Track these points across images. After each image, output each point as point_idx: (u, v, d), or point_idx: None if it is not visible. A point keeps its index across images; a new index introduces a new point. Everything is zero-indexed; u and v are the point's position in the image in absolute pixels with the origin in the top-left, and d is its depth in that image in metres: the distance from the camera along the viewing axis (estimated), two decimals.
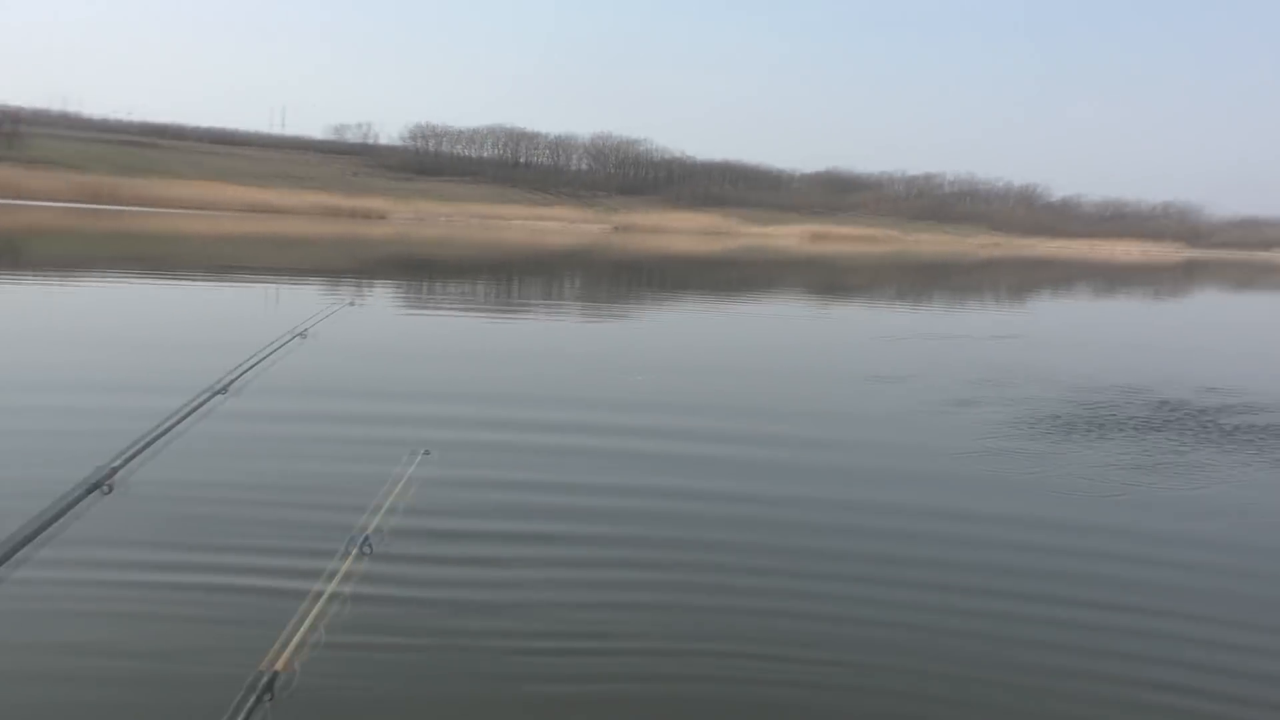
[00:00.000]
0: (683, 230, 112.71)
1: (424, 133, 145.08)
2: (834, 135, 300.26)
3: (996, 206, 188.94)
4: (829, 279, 41.81)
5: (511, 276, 32.37)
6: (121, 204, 78.36)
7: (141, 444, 3.09)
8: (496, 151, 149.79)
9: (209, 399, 3.77)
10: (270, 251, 38.71)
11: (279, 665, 2.28)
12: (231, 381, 4.09)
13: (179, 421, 3.40)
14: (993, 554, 6.10)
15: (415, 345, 13.98)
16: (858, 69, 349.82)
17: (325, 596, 2.55)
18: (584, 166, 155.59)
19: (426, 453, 3.76)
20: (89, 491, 2.73)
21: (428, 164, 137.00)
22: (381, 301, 20.27)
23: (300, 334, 5.22)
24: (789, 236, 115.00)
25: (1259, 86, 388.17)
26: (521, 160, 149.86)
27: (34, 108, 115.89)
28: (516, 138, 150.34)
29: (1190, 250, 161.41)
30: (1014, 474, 8.01)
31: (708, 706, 4.05)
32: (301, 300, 19.26)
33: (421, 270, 32.70)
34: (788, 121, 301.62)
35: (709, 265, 47.96)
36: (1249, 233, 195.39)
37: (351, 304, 5.00)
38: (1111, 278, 55.92)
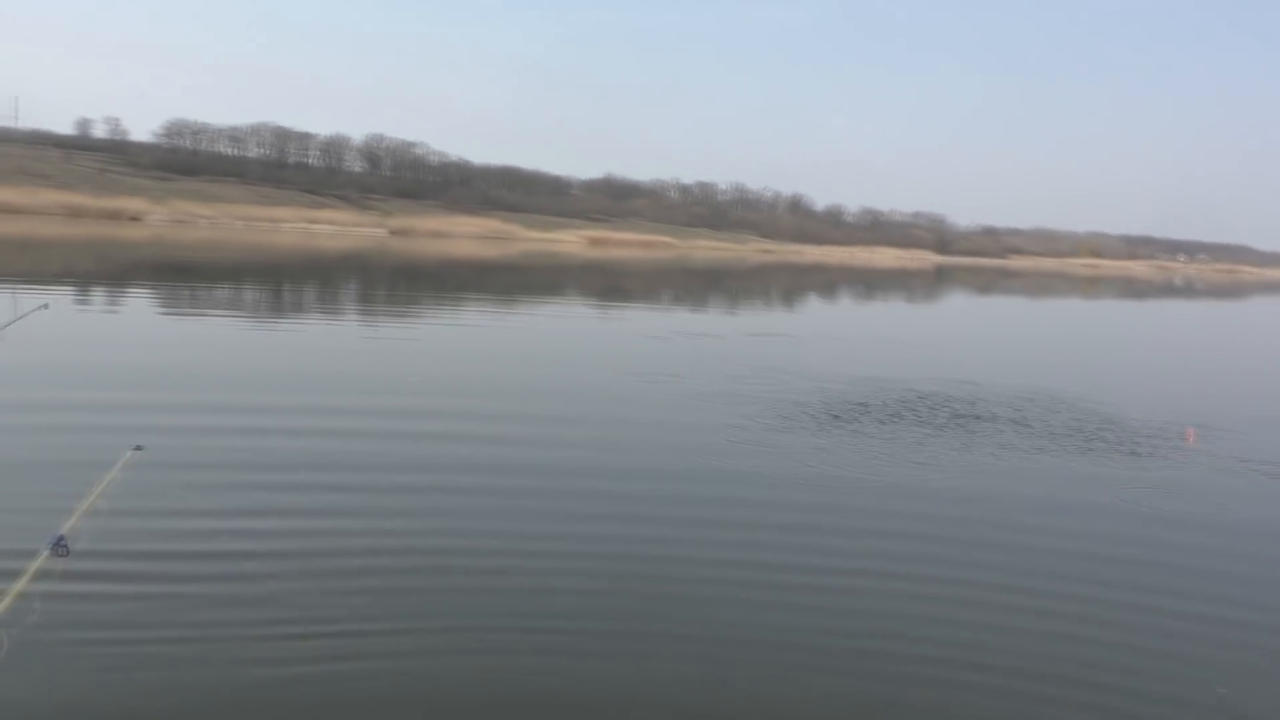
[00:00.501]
0: (463, 235, 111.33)
1: (180, 129, 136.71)
2: (611, 143, 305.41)
3: (766, 215, 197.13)
4: (609, 283, 42.18)
5: (279, 281, 30.81)
6: None
7: None
8: (263, 151, 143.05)
9: None
10: (42, 256, 35.28)
11: None
12: None
13: None
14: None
15: (162, 352, 13.00)
16: (630, 79, 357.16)
17: (9, 597, 2.41)
18: (358, 169, 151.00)
19: (138, 448, 3.44)
20: None
21: (186, 163, 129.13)
22: (129, 305, 18.81)
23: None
24: (570, 242, 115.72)
25: (1003, 109, 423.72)
26: (291, 161, 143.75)
27: None
28: (285, 137, 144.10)
29: (939, 257, 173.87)
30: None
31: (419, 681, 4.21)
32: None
33: (179, 274, 30.57)
34: (566, 128, 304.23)
35: (490, 270, 47.43)
36: (990, 241, 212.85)
37: (46, 307, 4.81)
38: (874, 283, 59.27)
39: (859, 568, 6.00)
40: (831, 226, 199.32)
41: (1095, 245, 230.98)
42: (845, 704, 4.27)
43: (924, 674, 4.60)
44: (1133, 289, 76.77)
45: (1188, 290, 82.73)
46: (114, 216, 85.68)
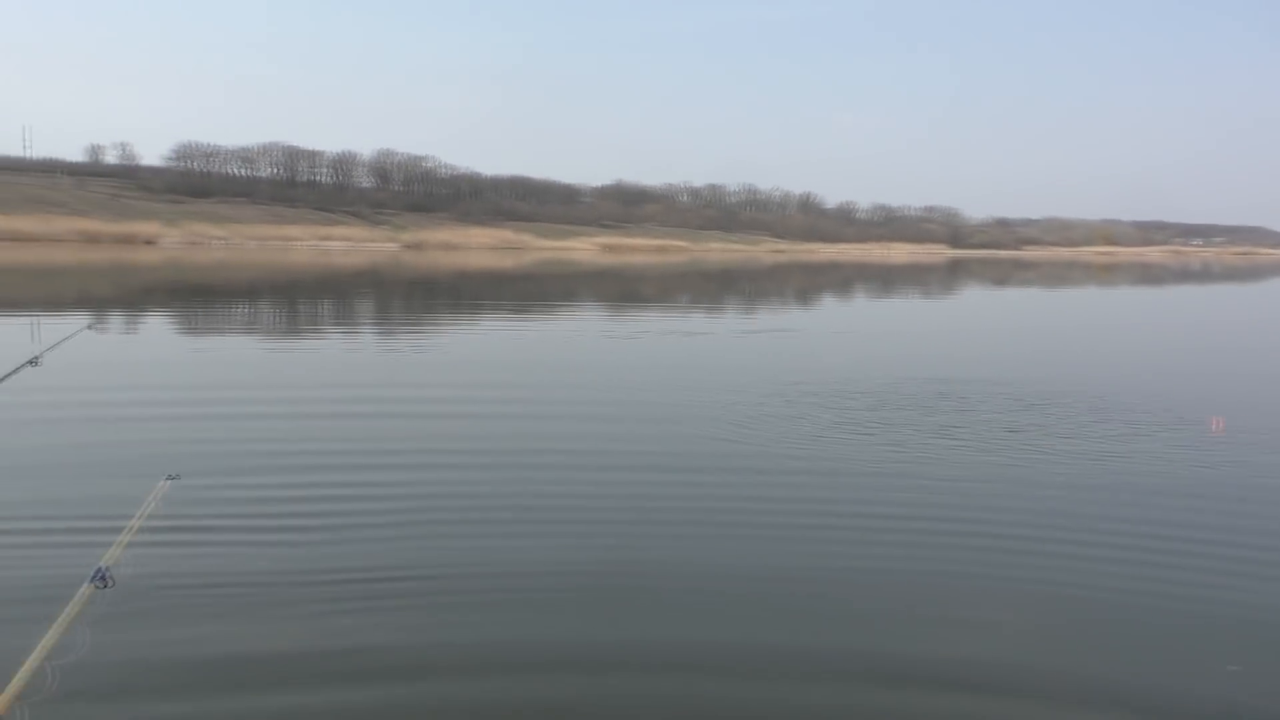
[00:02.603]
0: (476, 246, 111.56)
1: (190, 151, 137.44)
2: (620, 150, 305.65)
3: (778, 215, 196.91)
4: (624, 289, 42.09)
5: (296, 299, 30.82)
6: None
7: None
8: (274, 170, 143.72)
9: None
10: (26, 283, 35.42)
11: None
12: None
13: None
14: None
15: (177, 372, 12.87)
16: (635, 85, 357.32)
17: (56, 632, 2.34)
18: (368, 184, 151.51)
19: (174, 478, 3.47)
20: None
21: (198, 185, 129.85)
22: (143, 328, 18.75)
23: (32, 362, 4.70)
24: (583, 249, 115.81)
25: (1008, 98, 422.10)
26: (302, 179, 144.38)
27: None
28: (294, 155, 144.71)
29: (953, 250, 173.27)
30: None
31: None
32: (41, 330, 17.66)
33: (198, 295, 30.63)
34: (575, 137, 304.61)
35: (505, 280, 47.41)
36: (1003, 233, 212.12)
37: (90, 328, 4.75)
38: (892, 278, 58.98)
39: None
40: (844, 224, 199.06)
41: (1109, 232, 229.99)
42: None
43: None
44: (1149, 275, 76.23)
45: (1205, 274, 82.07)
46: (128, 241, 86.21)
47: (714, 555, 5.93)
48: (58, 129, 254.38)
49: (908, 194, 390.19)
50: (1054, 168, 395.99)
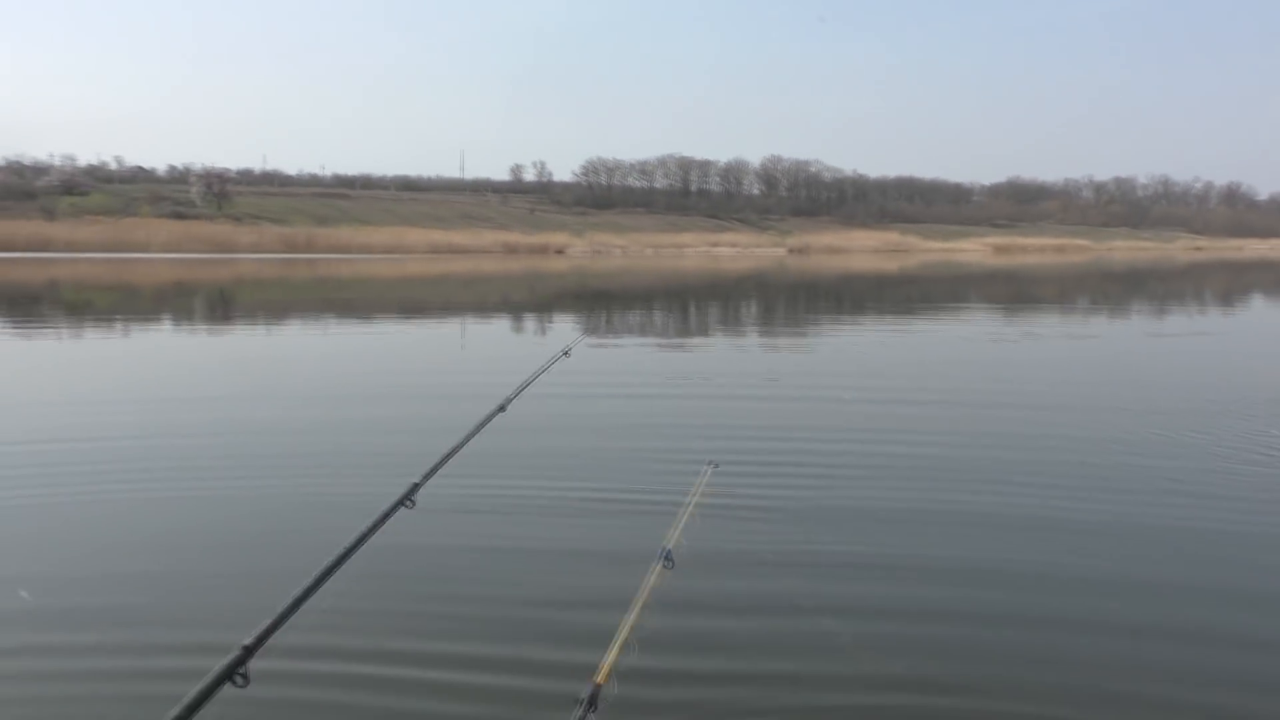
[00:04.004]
0: (860, 249, 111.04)
1: (597, 167, 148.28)
2: (1013, 144, 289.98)
3: (1196, 208, 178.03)
4: (1017, 290, 40.15)
5: (729, 300, 32.54)
6: (318, 252, 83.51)
7: (439, 461, 3.21)
8: (668, 181, 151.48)
9: (492, 417, 3.88)
10: (484, 289, 40.29)
11: (600, 679, 2.31)
12: (509, 401, 4.21)
13: (469, 438, 3.51)
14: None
15: (653, 369, 14.25)
16: (1029, 75, 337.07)
17: (636, 611, 2.55)
18: (756, 191, 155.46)
19: (715, 465, 3.68)
20: (397, 506, 2.82)
21: (601, 197, 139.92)
22: (617, 331, 20.73)
23: (565, 353, 5.41)
24: (971, 250, 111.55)
25: None
26: (693, 188, 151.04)
27: (239, 169, 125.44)
28: (687, 166, 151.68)
29: None
30: None
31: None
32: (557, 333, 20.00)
33: (625, 299, 33.30)
34: (962, 133, 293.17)
35: (892, 283, 46.92)
36: None
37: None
38: None
39: None
40: (1278, 217, 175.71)
41: None
42: None
43: None
44: None
45: None
46: (542, 251, 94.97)
47: None
48: (488, 152, 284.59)
49: None
50: None
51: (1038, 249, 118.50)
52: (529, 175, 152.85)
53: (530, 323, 23.66)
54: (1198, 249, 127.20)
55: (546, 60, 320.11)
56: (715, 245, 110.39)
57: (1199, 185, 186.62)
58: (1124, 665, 4.25)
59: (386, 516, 2.71)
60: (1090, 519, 6.30)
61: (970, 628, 4.69)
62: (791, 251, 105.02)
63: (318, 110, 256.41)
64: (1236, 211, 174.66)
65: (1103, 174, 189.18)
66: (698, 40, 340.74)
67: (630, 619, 2.49)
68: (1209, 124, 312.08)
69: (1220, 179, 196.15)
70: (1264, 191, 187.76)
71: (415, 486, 2.93)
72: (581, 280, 47.89)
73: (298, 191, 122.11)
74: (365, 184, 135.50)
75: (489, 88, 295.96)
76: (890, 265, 68.85)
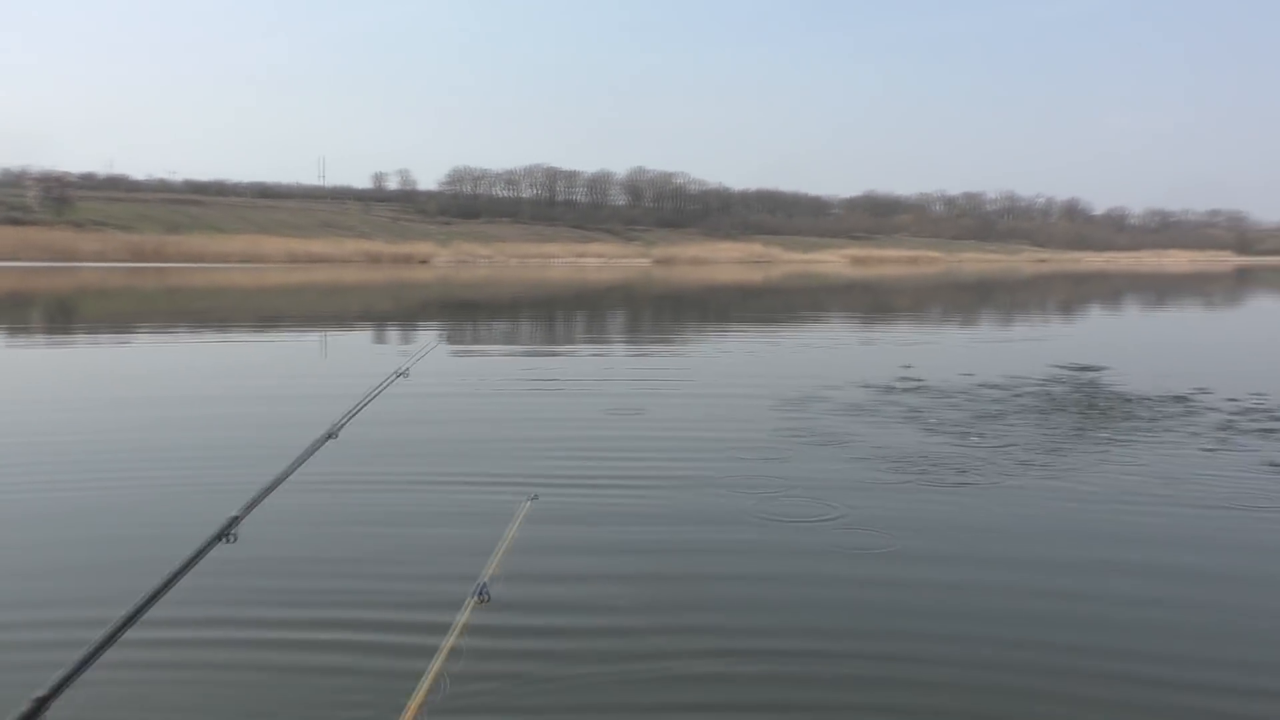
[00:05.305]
0: (724, 260, 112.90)
1: (462, 176, 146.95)
2: (870, 159, 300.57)
3: (1040, 223, 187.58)
4: (876, 301, 41.38)
5: (595, 311, 32.38)
6: (168, 261, 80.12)
7: (260, 493, 2.94)
8: (535, 191, 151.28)
9: (320, 444, 3.59)
10: (331, 300, 39.13)
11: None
12: (341, 426, 3.89)
13: (294, 467, 3.23)
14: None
15: (505, 385, 13.79)
16: (888, 91, 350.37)
17: (447, 648, 2.52)
18: (622, 202, 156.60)
19: (535, 498, 3.67)
20: (213, 544, 2.58)
21: (467, 206, 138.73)
22: (471, 345, 20.25)
23: (401, 374, 5.08)
24: (831, 261, 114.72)
25: None
26: (560, 199, 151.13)
27: (81, 172, 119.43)
28: (554, 176, 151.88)
29: (1240, 258, 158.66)
30: None
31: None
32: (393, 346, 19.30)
33: (490, 310, 32.82)
34: (821, 148, 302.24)
35: (756, 294, 47.76)
36: None
37: (440, 344, 4.61)
38: (1181, 288, 54.84)
39: None
40: (1114, 231, 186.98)
41: None
42: None
43: None
44: None
45: None
46: (406, 260, 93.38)
47: None
48: (349, 158, 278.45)
49: (1187, 198, 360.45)
50: None
51: (894, 260, 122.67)
52: (392, 183, 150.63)
53: (387, 335, 23.04)
54: (1041, 261, 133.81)
55: (400, 64, 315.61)
56: (582, 256, 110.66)
57: (1042, 200, 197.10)
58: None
59: (199, 555, 2.46)
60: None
61: (807, 639, 4.61)
62: (657, 262, 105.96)
63: (167, 115, 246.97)
64: (1076, 225, 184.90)
65: (954, 189, 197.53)
66: (559, 48, 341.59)
67: (440, 659, 2.45)
68: (1050, 142, 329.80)
69: (1061, 195, 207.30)
70: (1100, 207, 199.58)
71: (234, 520, 2.67)
72: (447, 291, 47.18)
73: (146, 197, 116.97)
74: (219, 190, 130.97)
75: (348, 93, 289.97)
76: (754, 276, 70.12)
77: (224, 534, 2.62)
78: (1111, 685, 4.11)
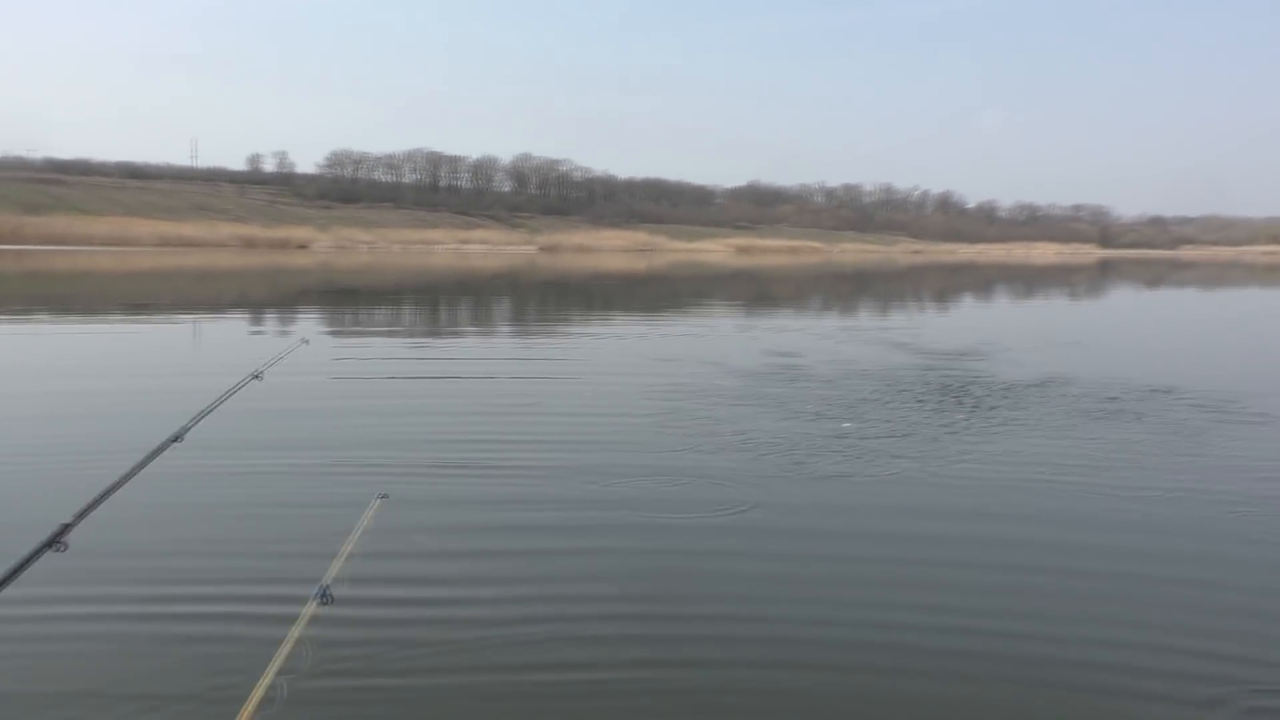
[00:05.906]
0: (610, 248, 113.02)
1: (342, 159, 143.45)
2: (757, 150, 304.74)
3: (915, 215, 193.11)
4: (759, 290, 42.01)
5: (476, 300, 31.91)
6: (26, 243, 76.11)
7: (96, 498, 2.78)
8: (417, 176, 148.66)
9: (165, 447, 3.41)
10: (203, 286, 37.71)
11: None
12: (186, 430, 3.68)
13: (134, 471, 3.06)
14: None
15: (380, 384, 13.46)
16: (776, 85, 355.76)
17: (289, 643, 2.48)
18: (507, 189, 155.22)
19: (384, 497, 3.57)
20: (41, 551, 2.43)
21: (347, 191, 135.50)
22: (342, 336, 19.70)
23: (256, 376, 4.86)
24: (716, 251, 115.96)
25: (1163, 91, 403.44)
26: (443, 184, 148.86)
27: None
28: (436, 161, 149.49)
29: (1102, 250, 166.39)
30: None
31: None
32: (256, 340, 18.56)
33: (345, 298, 32.05)
34: (713, 138, 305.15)
35: (641, 282, 47.93)
36: (1157, 232, 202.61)
37: (305, 342, 4.35)
38: (1047, 279, 57.11)
39: None
40: (985, 224, 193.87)
41: (1276, 231, 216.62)
42: None
43: None
44: None
45: None
46: (283, 245, 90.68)
47: None
48: (222, 139, 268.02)
49: (1055, 193, 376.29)
50: (1215, 163, 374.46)
51: (775, 250, 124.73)
52: (269, 165, 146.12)
53: (262, 323, 22.33)
54: (916, 252, 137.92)
55: (279, 44, 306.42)
56: (465, 242, 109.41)
57: (917, 193, 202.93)
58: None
59: (25, 565, 2.31)
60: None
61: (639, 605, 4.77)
62: (542, 250, 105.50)
63: (24, 89, 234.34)
64: (949, 218, 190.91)
65: (834, 181, 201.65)
66: (445, 28, 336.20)
67: (276, 665, 2.37)
68: (926, 137, 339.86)
69: (936, 188, 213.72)
70: (972, 200, 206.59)
71: (66, 527, 2.51)
72: (327, 277, 46.00)
73: (1, 176, 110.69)
74: (84, 170, 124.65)
75: (222, 71, 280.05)
76: (639, 265, 70.36)
77: (53, 542, 2.47)
78: (975, 651, 4.25)
